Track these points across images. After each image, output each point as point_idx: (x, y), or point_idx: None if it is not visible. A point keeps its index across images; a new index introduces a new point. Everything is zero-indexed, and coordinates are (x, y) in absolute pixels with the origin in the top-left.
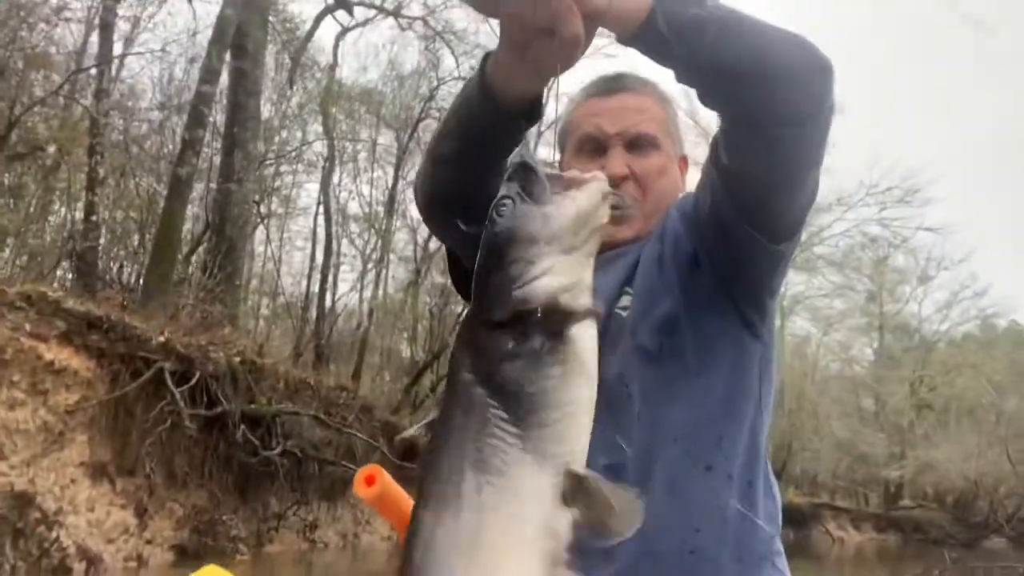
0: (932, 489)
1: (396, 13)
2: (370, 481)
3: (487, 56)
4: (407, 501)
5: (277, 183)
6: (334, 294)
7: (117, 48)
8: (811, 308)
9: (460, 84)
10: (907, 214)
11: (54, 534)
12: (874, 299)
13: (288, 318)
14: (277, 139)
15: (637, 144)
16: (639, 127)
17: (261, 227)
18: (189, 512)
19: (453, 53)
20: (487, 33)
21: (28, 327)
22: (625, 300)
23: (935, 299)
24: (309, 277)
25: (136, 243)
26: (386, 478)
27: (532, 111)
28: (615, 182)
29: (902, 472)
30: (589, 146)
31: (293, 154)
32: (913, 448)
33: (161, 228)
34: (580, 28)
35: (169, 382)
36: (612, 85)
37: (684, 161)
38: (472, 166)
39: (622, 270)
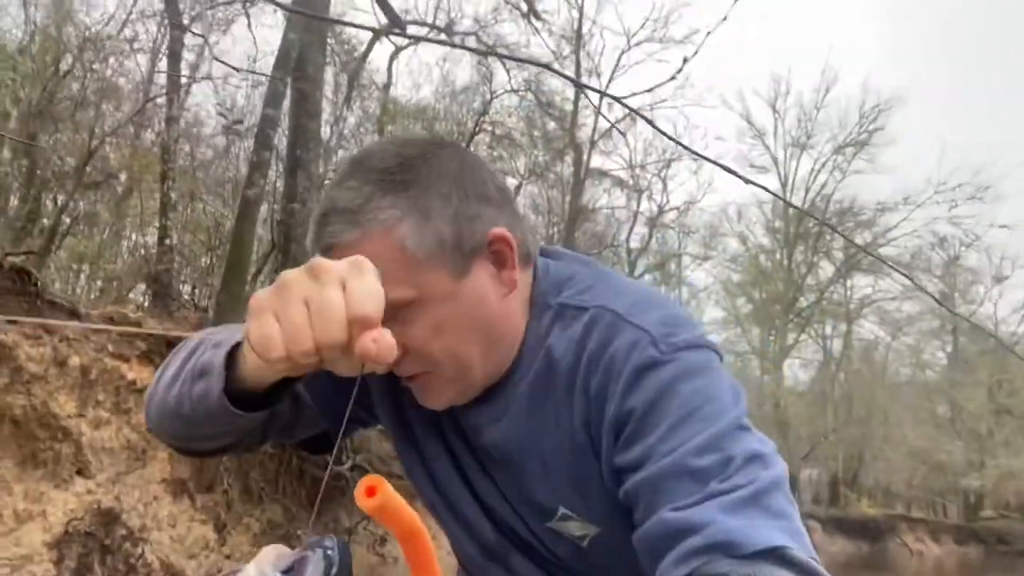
0: (1015, 498)
1: (448, 31)
2: (371, 492)
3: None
4: (408, 512)
5: None
6: None
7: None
8: (879, 311)
9: (512, 97)
10: (979, 211)
11: (139, 550)
12: (946, 301)
13: None
14: (335, 158)
15: (386, 316)
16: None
17: None
18: (265, 527)
19: (504, 66)
20: (539, 44)
21: (111, 348)
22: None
23: (1011, 299)
24: None
25: (205, 265)
26: (388, 489)
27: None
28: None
29: (982, 481)
30: None
31: None
32: (993, 456)
33: (232, 249)
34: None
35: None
36: (321, 241)
37: (500, 242)
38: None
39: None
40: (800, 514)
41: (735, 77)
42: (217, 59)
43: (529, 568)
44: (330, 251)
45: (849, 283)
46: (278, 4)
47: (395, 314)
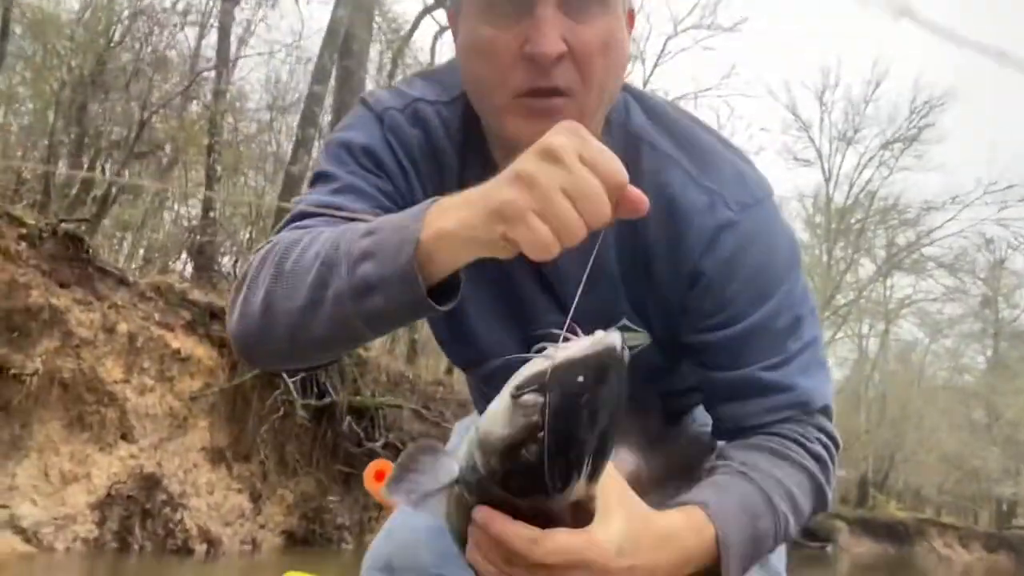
0: None
1: None
2: (379, 476)
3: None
4: None
5: None
6: None
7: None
8: (920, 312)
9: None
10: None
11: (178, 516)
12: (989, 304)
13: None
14: None
15: (571, 5)
16: None
17: None
18: (298, 499)
19: None
20: None
21: (157, 316)
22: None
23: None
24: None
25: (246, 239)
26: None
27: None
28: (545, 63)
29: (1017, 489)
30: (505, 5)
31: None
32: None
33: (275, 224)
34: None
35: (283, 372)
36: None
37: (631, 18)
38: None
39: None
40: (827, 514)
41: (782, 67)
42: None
43: None
44: None
45: (890, 282)
46: None
47: (585, 9)
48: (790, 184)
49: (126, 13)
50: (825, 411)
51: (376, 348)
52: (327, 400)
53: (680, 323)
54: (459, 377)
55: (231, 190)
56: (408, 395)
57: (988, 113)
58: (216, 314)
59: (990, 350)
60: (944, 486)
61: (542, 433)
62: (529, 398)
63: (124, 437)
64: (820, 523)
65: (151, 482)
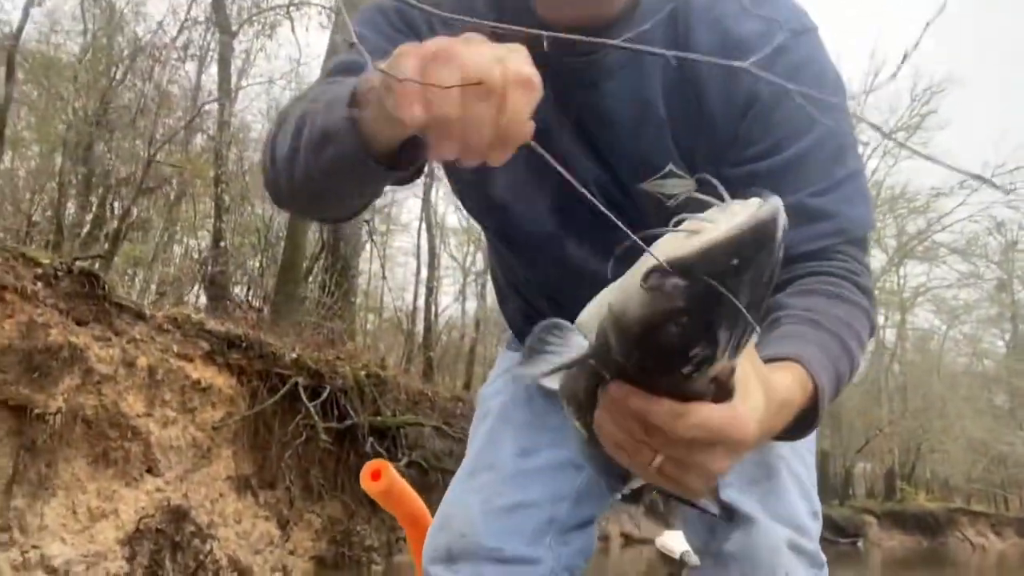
0: None
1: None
2: (376, 476)
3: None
4: (413, 496)
5: (379, 202)
6: (437, 306)
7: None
8: (935, 300)
9: None
10: None
11: (207, 547)
12: (1005, 288)
13: (395, 332)
14: None
15: None
16: None
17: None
18: (326, 523)
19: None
20: None
21: (175, 348)
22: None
23: None
24: (416, 291)
25: (256, 266)
26: (392, 473)
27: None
28: None
29: None
30: None
31: None
32: None
33: (286, 250)
34: None
35: (304, 397)
36: None
37: None
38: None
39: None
40: (855, 508)
41: None
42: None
43: (586, 255)
44: None
45: (903, 271)
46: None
47: None
48: None
49: (126, 52)
50: (862, 243)
51: (392, 367)
52: (348, 422)
53: (727, 160)
54: (475, 391)
55: (239, 220)
56: (428, 412)
57: (992, 96)
58: (233, 342)
59: (1008, 334)
60: (972, 474)
61: (685, 319)
62: (670, 283)
63: (150, 470)
64: (849, 519)
65: (179, 514)
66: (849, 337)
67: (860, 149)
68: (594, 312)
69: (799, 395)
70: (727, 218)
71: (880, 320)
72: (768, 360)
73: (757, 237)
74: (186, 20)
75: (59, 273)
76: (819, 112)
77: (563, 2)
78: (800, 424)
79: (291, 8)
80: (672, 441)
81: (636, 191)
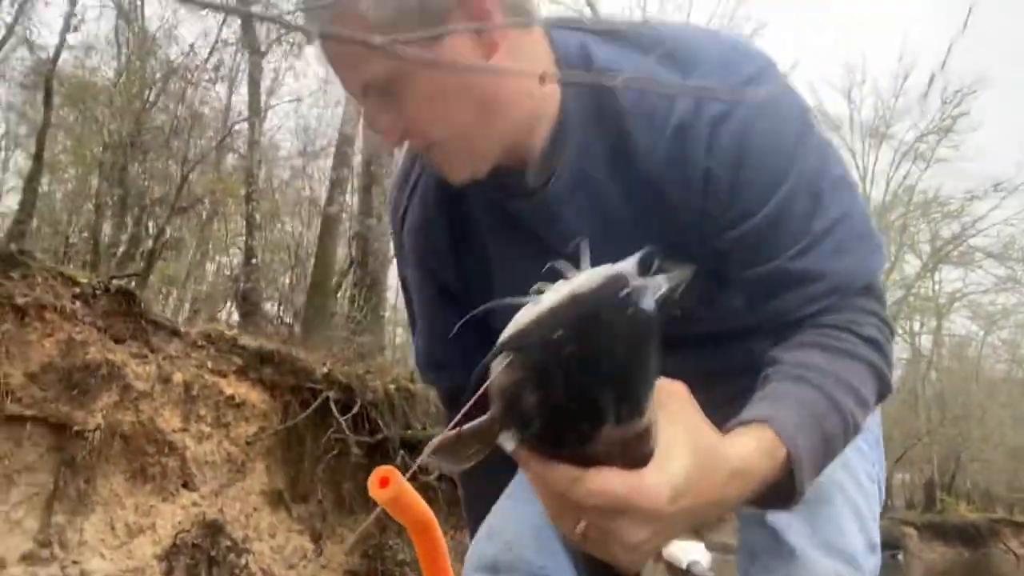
0: None
1: None
2: (384, 483)
3: None
4: (421, 504)
5: None
6: None
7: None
8: (971, 305)
9: None
10: None
11: (243, 561)
12: None
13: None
14: None
15: (381, 95)
16: (365, 78)
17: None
18: (358, 537)
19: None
20: None
21: (210, 364)
22: None
23: None
24: None
25: (287, 282)
26: (400, 480)
27: None
28: (392, 150)
29: None
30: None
31: None
32: None
33: (316, 265)
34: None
35: (335, 411)
36: (310, 24)
37: (484, 42)
38: None
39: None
40: (894, 520)
41: (806, 68)
42: None
43: None
44: (324, 42)
45: (938, 277)
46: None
47: (386, 91)
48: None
49: (159, 75)
50: (870, 290)
51: (421, 382)
52: (379, 436)
53: (707, 237)
54: None
55: (270, 237)
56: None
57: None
58: (265, 358)
59: None
60: (1014, 483)
61: (539, 388)
62: (510, 357)
63: (186, 485)
64: (888, 531)
65: (215, 528)
66: (843, 394)
67: (891, 153)
68: None
69: (763, 463)
70: (554, 291)
71: (916, 327)
72: (738, 424)
73: (578, 310)
74: (216, 42)
75: (96, 292)
76: (782, 165)
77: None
78: (777, 494)
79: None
80: (581, 508)
81: None
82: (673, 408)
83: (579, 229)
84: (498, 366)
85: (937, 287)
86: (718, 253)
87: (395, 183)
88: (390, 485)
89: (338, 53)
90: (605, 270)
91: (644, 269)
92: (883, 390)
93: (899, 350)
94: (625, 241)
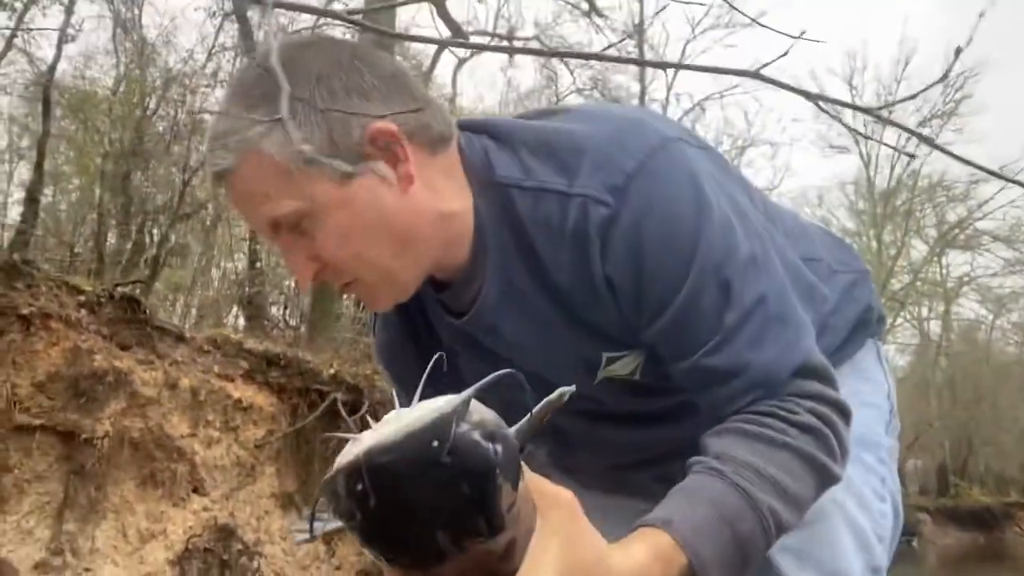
0: None
1: (509, 39)
2: None
3: None
4: None
5: None
6: None
7: None
8: (980, 289)
9: (578, 97)
10: None
11: (255, 564)
12: None
13: None
14: None
15: (291, 230)
16: (270, 216)
17: None
18: None
19: (568, 67)
20: (601, 42)
21: (216, 369)
22: None
23: None
24: None
25: (292, 285)
26: None
27: None
28: (308, 288)
29: None
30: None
31: None
32: None
33: None
34: None
35: (343, 412)
36: (211, 172)
37: (384, 135)
38: None
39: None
40: (908, 506)
41: (807, 55)
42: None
43: (584, 426)
44: (217, 182)
45: (945, 261)
46: (347, 20)
47: (297, 228)
48: (829, 172)
49: (159, 82)
50: (804, 372)
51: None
52: None
53: (636, 332)
54: None
55: None
56: None
57: None
58: (272, 361)
59: None
60: None
61: (357, 521)
62: (324, 493)
63: (196, 490)
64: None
65: (226, 532)
66: (760, 489)
67: (895, 138)
68: None
69: (657, 570)
70: (367, 437)
71: (924, 312)
72: (638, 526)
73: (380, 462)
74: (213, 47)
75: (101, 300)
76: (681, 258)
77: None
78: None
79: (315, 30)
80: None
81: (591, 388)
82: (553, 518)
83: (518, 338)
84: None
85: (945, 271)
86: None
87: None
88: None
89: (246, 191)
90: (417, 417)
91: (507, 393)
92: (824, 481)
93: (908, 336)
94: (565, 343)
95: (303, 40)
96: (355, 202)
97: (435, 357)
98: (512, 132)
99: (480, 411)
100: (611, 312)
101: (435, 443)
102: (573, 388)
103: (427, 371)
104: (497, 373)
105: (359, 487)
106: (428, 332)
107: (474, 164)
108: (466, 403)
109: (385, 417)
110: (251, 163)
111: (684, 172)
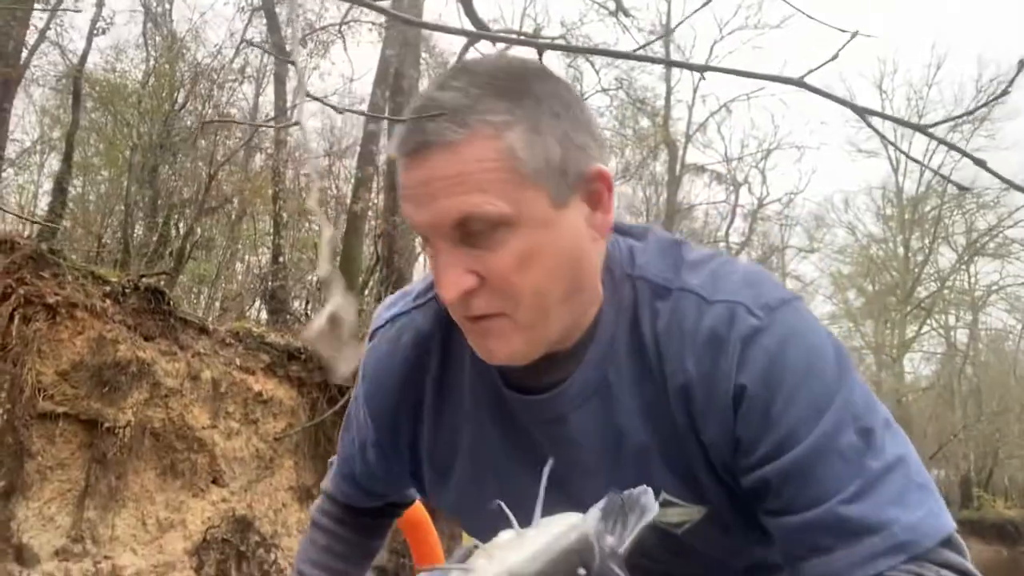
0: None
1: (536, 38)
2: None
3: None
4: (418, 507)
5: None
6: None
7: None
8: (1008, 298)
9: (604, 97)
10: None
11: (272, 556)
12: None
13: None
14: None
15: (471, 233)
16: (463, 210)
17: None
18: None
19: (593, 67)
20: (628, 42)
21: (238, 361)
22: None
23: None
24: None
25: (314, 280)
26: None
27: None
28: (453, 304)
29: None
30: (425, 240)
31: None
32: None
33: (342, 262)
34: None
35: None
36: (416, 141)
37: (601, 179)
38: None
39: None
40: None
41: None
42: (313, 96)
43: None
44: (424, 152)
45: (973, 269)
46: (378, 9)
47: (486, 236)
48: (857, 177)
49: (187, 77)
50: (950, 544)
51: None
52: None
53: (739, 468)
54: None
55: (297, 235)
56: None
57: None
58: (293, 355)
59: None
60: None
61: None
62: None
63: (215, 481)
64: None
65: (244, 524)
66: None
67: (924, 143)
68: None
69: None
70: (492, 567)
71: (951, 321)
72: None
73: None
74: (241, 43)
75: (126, 290)
76: (824, 392)
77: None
78: None
79: (342, 27)
80: None
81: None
82: None
83: (584, 440)
84: None
85: (973, 280)
86: (735, 495)
87: (380, 321)
88: None
89: (455, 174)
90: (555, 541)
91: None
92: None
93: (934, 344)
94: (633, 462)
95: (534, 63)
96: (559, 230)
97: (547, 466)
98: (660, 240)
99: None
100: (717, 438)
101: (582, 571)
102: (699, 514)
103: (543, 485)
104: (632, 491)
105: None
106: (437, 389)
107: (612, 254)
108: (604, 525)
109: (502, 539)
110: (483, 147)
111: (820, 323)
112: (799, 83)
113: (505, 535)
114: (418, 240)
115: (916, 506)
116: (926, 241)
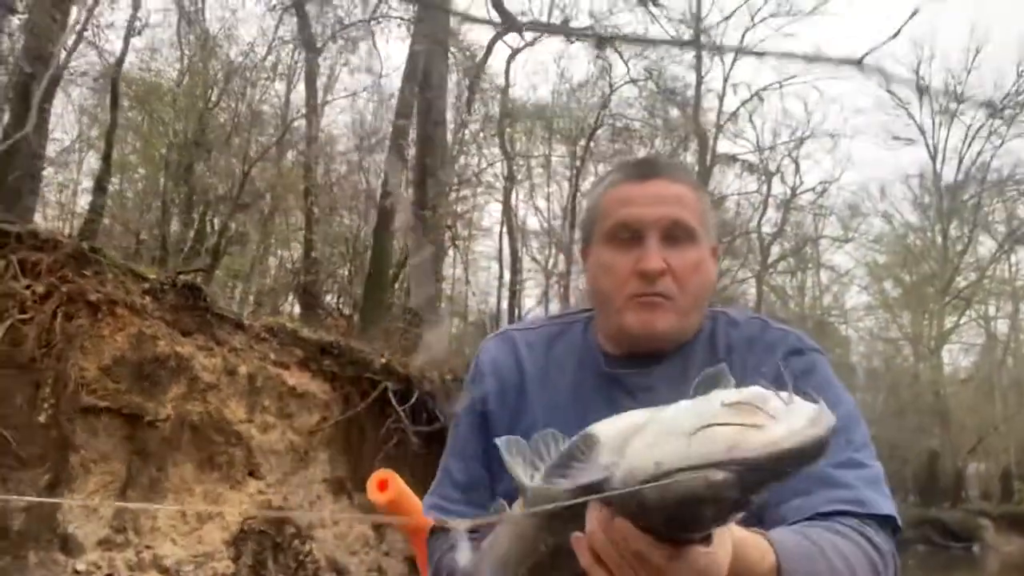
0: None
1: (565, 30)
2: (383, 486)
3: None
4: (419, 507)
5: (460, 207)
6: (520, 309)
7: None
8: None
9: (632, 88)
10: None
11: (307, 547)
12: None
13: (480, 335)
14: (456, 165)
15: (674, 235)
16: (677, 216)
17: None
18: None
19: (622, 57)
20: (658, 32)
21: (272, 356)
22: None
23: None
24: (499, 294)
25: (346, 275)
26: (399, 483)
27: None
28: (651, 276)
29: None
30: (623, 235)
31: (474, 178)
32: None
33: (373, 257)
34: None
35: (393, 401)
36: (647, 170)
37: (715, 251)
38: None
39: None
40: (969, 512)
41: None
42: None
43: None
44: (659, 175)
45: (1014, 258)
46: None
47: (681, 242)
48: (893, 166)
49: (220, 75)
50: (889, 523)
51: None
52: (437, 425)
53: None
54: None
55: (328, 230)
56: None
57: None
58: (326, 349)
59: None
60: None
61: (723, 505)
62: (727, 477)
63: (252, 474)
64: (962, 522)
65: (280, 517)
66: (834, 555)
67: (963, 129)
68: (623, 440)
69: (754, 554)
70: (788, 421)
71: (991, 311)
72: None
73: (816, 450)
74: (273, 40)
75: (164, 287)
76: (840, 402)
77: (631, 343)
78: None
79: (371, 22)
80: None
81: None
82: None
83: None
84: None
85: (1014, 269)
86: None
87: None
88: (389, 488)
89: (676, 194)
90: (827, 419)
91: None
92: None
93: (974, 335)
94: None
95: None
96: (709, 262)
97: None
98: (735, 311)
99: None
100: None
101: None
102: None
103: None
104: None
105: (790, 468)
106: (538, 374)
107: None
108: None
109: (773, 406)
110: (690, 191)
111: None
112: (857, 63)
113: (775, 404)
114: (447, 235)
115: (882, 495)
116: (965, 230)
